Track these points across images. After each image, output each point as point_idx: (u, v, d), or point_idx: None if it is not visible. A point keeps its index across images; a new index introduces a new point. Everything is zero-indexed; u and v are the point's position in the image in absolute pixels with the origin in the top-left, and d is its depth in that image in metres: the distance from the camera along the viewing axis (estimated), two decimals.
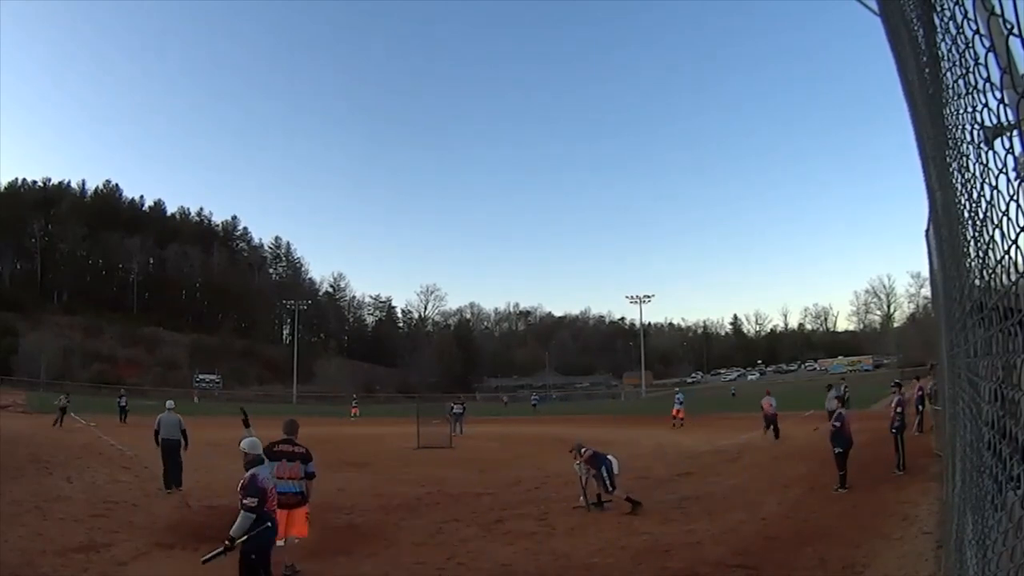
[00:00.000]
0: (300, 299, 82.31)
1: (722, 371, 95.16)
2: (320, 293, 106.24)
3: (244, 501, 4.86)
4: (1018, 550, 1.45)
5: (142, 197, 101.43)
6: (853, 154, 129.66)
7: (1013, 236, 1.27)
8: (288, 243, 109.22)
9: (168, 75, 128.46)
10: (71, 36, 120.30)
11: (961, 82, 1.70)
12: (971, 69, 1.49)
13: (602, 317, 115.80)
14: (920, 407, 16.36)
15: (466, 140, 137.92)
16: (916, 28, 2.90)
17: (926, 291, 63.15)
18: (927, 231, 8.18)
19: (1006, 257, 1.36)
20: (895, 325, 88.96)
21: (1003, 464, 1.63)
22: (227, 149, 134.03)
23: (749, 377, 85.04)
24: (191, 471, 11.43)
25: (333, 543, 7.46)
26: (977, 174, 1.67)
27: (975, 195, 1.75)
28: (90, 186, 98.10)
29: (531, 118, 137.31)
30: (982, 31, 1.35)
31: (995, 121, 1.35)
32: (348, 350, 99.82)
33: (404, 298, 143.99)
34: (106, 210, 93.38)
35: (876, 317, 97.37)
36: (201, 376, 72.13)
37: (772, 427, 18.27)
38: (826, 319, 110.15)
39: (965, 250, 2.22)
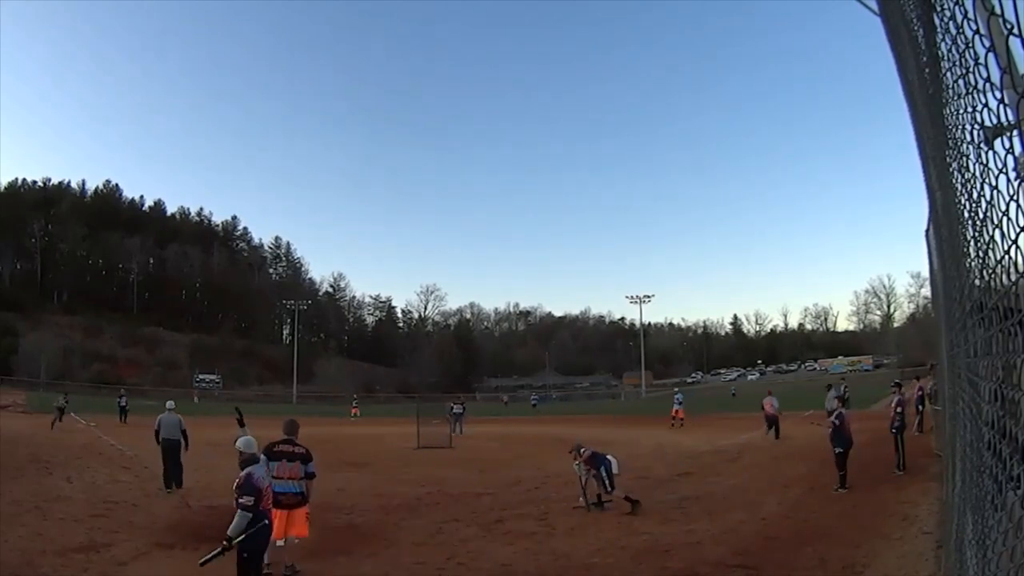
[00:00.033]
0: (300, 299, 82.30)
1: (722, 371, 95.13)
2: (320, 293, 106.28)
3: (240, 500, 4.87)
4: (1018, 550, 1.45)
5: (142, 197, 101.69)
6: (853, 154, 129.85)
7: (1013, 236, 1.27)
8: (288, 243, 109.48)
9: (168, 75, 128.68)
10: (71, 36, 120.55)
11: (961, 82, 1.69)
12: (971, 69, 1.49)
13: (602, 317, 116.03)
14: (920, 407, 16.37)
15: (466, 140, 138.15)
16: (916, 28, 2.90)
17: (926, 291, 63.20)
18: (927, 231, 8.18)
19: (1006, 257, 1.36)
20: (895, 325, 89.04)
21: (1003, 464, 1.63)
22: (227, 149, 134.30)
23: (749, 377, 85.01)
24: (191, 471, 11.44)
25: (333, 543, 7.46)
26: (977, 174, 1.67)
27: (975, 195, 1.75)
28: (90, 186, 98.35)
29: (531, 118, 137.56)
30: (982, 31, 1.35)
31: (995, 121, 1.35)
32: (348, 350, 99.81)
33: (404, 298, 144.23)
34: (106, 210, 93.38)
35: (876, 317, 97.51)
36: (201, 376, 72.13)
37: (773, 427, 18.28)
38: (826, 319, 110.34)
39: (965, 250, 2.22)
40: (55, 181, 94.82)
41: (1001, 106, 1.29)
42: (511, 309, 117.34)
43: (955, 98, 1.93)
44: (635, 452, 15.91)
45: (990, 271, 1.61)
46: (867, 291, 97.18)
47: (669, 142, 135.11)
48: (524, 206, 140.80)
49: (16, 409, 32.23)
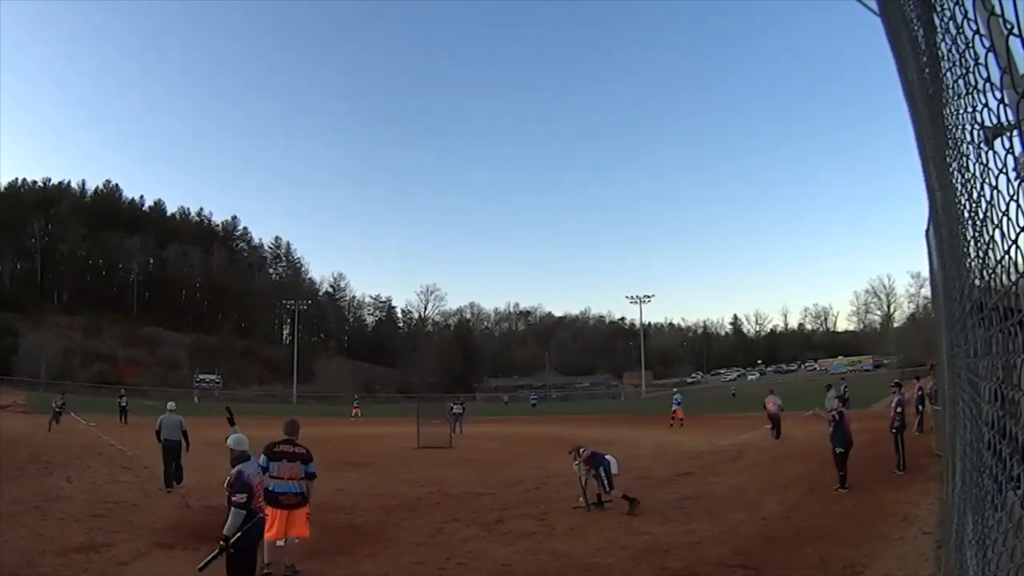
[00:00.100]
0: (300, 299, 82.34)
1: (722, 371, 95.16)
2: (320, 293, 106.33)
3: (233, 498, 4.87)
4: (1018, 550, 1.45)
5: (142, 197, 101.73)
6: (853, 154, 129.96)
7: (1013, 236, 1.27)
8: (288, 243, 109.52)
9: (168, 75, 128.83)
10: (71, 36, 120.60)
11: (961, 82, 1.69)
12: (971, 69, 1.49)
13: (602, 317, 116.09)
14: (920, 407, 16.38)
15: (466, 140, 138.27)
16: (916, 28, 2.90)
17: (926, 291, 63.24)
18: (927, 231, 8.18)
19: (1006, 257, 1.36)
20: (895, 325, 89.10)
21: (1003, 464, 1.63)
22: (227, 149, 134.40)
23: (749, 377, 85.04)
24: (191, 471, 11.45)
25: (333, 543, 7.46)
26: (977, 174, 1.67)
27: (975, 195, 1.75)
28: (90, 186, 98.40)
29: (531, 118, 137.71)
30: (982, 31, 1.35)
31: (995, 121, 1.35)
32: (348, 350, 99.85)
33: (404, 298, 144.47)
34: (106, 210, 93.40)
35: (876, 317, 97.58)
36: (201, 376, 72.12)
37: (775, 427, 18.28)
38: (826, 319, 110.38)
39: (965, 250, 2.22)
40: (55, 181, 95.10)
41: (1001, 106, 1.29)
42: (511, 309, 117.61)
43: (955, 98, 1.93)
44: (635, 452, 15.92)
45: (990, 271, 1.61)
46: (867, 291, 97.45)
47: (669, 142, 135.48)
48: (524, 206, 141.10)
49: (16, 409, 32.26)
